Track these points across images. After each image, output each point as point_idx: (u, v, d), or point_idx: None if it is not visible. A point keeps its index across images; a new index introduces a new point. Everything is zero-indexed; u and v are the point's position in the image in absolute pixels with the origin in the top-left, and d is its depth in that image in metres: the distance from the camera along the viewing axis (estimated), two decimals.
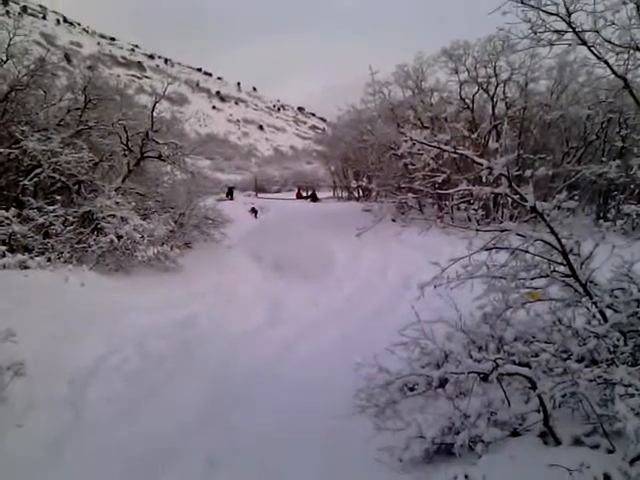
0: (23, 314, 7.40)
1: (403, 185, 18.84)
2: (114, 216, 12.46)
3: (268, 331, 9.34)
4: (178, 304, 10.54)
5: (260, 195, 42.74)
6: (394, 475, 4.15)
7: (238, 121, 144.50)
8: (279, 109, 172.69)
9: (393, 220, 19.60)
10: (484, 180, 4.65)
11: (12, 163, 12.74)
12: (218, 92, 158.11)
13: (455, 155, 4.81)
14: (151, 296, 10.75)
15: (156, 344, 8.29)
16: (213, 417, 6.10)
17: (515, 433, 4.43)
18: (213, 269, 13.83)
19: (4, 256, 10.31)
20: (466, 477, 3.82)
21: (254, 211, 28.56)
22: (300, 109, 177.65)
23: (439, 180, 5.63)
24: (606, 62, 4.98)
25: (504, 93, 19.47)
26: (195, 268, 13.76)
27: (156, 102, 15.20)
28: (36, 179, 12.48)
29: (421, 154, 4.87)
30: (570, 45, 4.90)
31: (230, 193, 35.81)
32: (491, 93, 19.31)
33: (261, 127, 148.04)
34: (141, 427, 5.77)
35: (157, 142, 14.92)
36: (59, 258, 11.32)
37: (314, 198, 35.99)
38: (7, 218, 11.21)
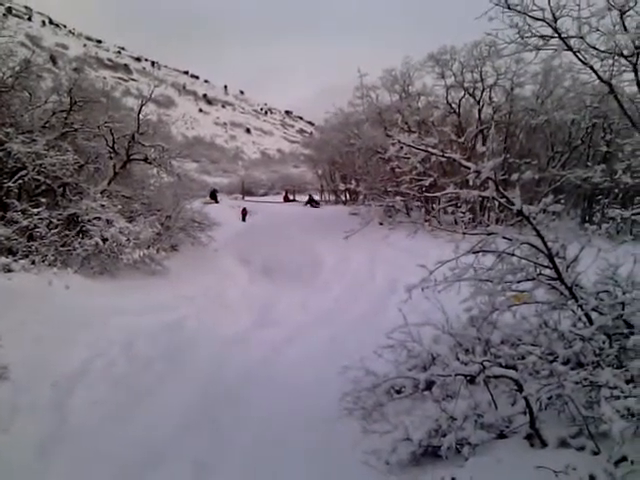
0: (7, 318, 7.31)
1: (390, 189, 18.93)
2: (99, 219, 12.34)
3: (257, 334, 9.33)
4: (165, 307, 10.46)
5: (247, 198, 42.57)
6: (381, 478, 4.15)
7: (225, 124, 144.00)
8: (266, 112, 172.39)
9: (380, 223, 19.63)
10: (471, 183, 4.67)
11: None
12: (205, 95, 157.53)
13: (442, 159, 4.84)
14: (137, 299, 10.65)
15: (143, 347, 8.24)
16: (201, 420, 6.06)
17: (502, 435, 4.45)
18: (200, 272, 13.76)
19: None
20: (453, 479, 3.83)
21: (245, 213, 28.49)
22: (287, 112, 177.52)
23: (426, 184, 5.66)
24: (591, 67, 5.03)
25: (490, 98, 19.66)
26: (182, 271, 13.67)
27: (142, 105, 15.10)
28: (20, 181, 12.32)
29: (408, 158, 4.89)
30: (556, 50, 4.94)
31: (214, 196, 35.57)
32: (477, 98, 19.48)
33: (248, 130, 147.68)
34: (128, 431, 5.72)
35: (143, 145, 14.82)
36: (43, 261, 11.17)
37: (313, 203, 32.34)
38: None
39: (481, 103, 19.54)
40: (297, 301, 11.70)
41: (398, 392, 5.42)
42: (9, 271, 9.83)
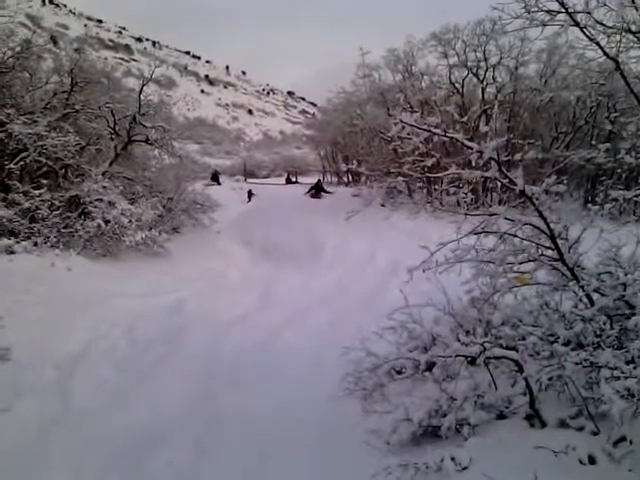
0: (9, 299, 7.34)
1: (392, 170, 18.82)
2: (101, 200, 12.31)
3: (258, 316, 9.34)
4: (167, 289, 10.49)
5: (249, 180, 42.45)
6: (381, 458, 4.17)
7: (227, 105, 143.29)
8: (268, 93, 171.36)
9: (382, 205, 19.71)
10: (474, 164, 4.64)
11: None
12: (207, 76, 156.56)
13: (445, 139, 4.78)
14: (139, 281, 10.68)
15: (145, 330, 8.27)
16: (202, 402, 6.10)
17: (501, 416, 4.47)
18: (202, 254, 13.77)
19: None
20: (453, 459, 3.84)
21: (250, 194, 28.41)
22: (290, 93, 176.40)
23: (428, 164, 5.60)
24: (598, 44, 4.95)
25: (493, 77, 19.41)
26: (184, 253, 13.68)
27: (143, 85, 14.97)
28: (22, 163, 12.29)
29: (410, 138, 4.84)
30: (562, 26, 4.85)
31: (216, 178, 35.47)
32: (481, 77, 19.25)
33: (250, 111, 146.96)
34: (129, 413, 5.77)
35: (145, 126, 14.73)
36: (45, 243, 11.19)
37: (319, 190, 25.25)
38: None
39: (484, 83, 19.31)
40: (298, 283, 11.70)
41: (399, 373, 5.43)
42: (11, 253, 9.88)
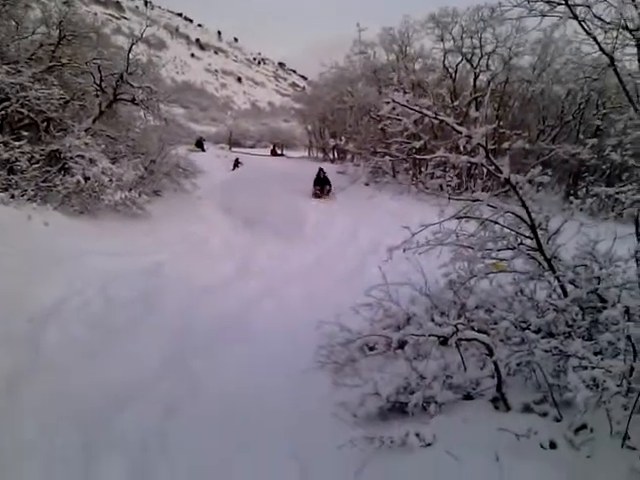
0: None
1: (379, 150, 18.84)
2: (83, 157, 12.09)
3: (236, 284, 9.32)
4: (144, 251, 10.40)
5: (234, 149, 42.03)
6: (348, 430, 4.24)
7: (216, 71, 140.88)
8: (259, 63, 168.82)
9: (366, 184, 19.65)
10: (461, 149, 4.67)
11: None
12: (198, 40, 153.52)
13: (434, 122, 4.80)
14: (116, 241, 10.59)
15: (120, 289, 8.19)
16: (174, 365, 6.10)
17: (468, 397, 4.57)
18: (182, 219, 13.65)
19: None
20: (417, 435, 3.93)
21: (237, 164, 28.09)
22: (281, 65, 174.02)
23: (417, 146, 5.62)
24: (595, 38, 4.98)
25: (487, 65, 19.43)
26: (164, 216, 13.54)
27: (133, 43, 14.64)
28: (3, 112, 12.01)
29: (400, 119, 4.85)
30: (561, 18, 4.86)
31: (200, 144, 35.06)
32: (474, 64, 19.26)
33: (240, 79, 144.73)
34: (100, 370, 5.73)
35: (132, 85, 14.42)
36: (23, 195, 10.98)
37: (323, 183, 18.67)
38: None
39: (478, 70, 19.33)
40: (278, 255, 11.69)
41: (371, 349, 5.51)
42: None
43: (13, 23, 13.43)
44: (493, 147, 4.62)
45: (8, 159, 11.40)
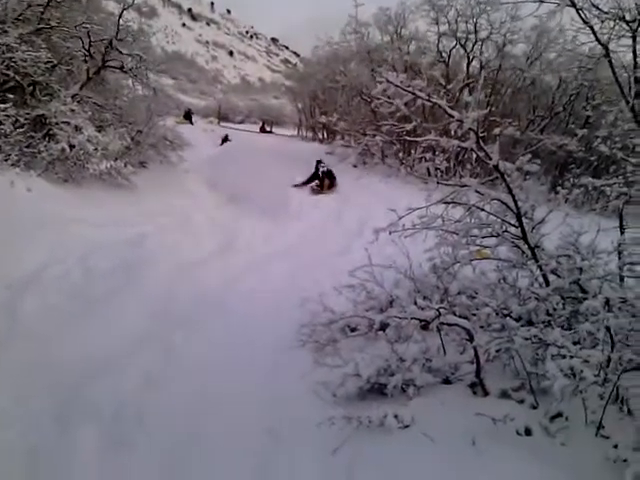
0: None
1: (369, 132, 18.76)
2: (68, 123, 11.84)
3: (219, 259, 9.28)
4: (127, 222, 10.27)
5: (223, 124, 41.62)
6: (327, 409, 4.27)
7: (207, 43, 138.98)
8: (252, 37, 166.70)
9: (355, 166, 19.54)
10: (452, 133, 4.67)
11: None
12: (190, 9, 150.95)
13: (427, 104, 4.78)
14: (100, 211, 10.45)
15: (101, 260, 8.06)
16: (154, 337, 6.06)
17: (447, 381, 4.61)
18: (167, 192, 13.51)
19: None
20: (396, 416, 3.96)
21: (226, 139, 27.86)
22: (274, 40, 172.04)
23: (408, 128, 5.59)
24: (591, 28, 4.97)
25: (480, 51, 19.34)
26: (148, 189, 13.38)
27: (124, 9, 14.29)
28: None
29: (392, 102, 4.81)
30: (559, 5, 4.84)
31: (188, 116, 34.67)
32: (468, 50, 19.15)
33: (231, 53, 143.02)
34: (77, 340, 5.66)
35: (121, 52, 14.09)
36: (6, 160, 10.73)
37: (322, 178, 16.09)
38: None
39: (471, 56, 19.24)
40: (262, 233, 11.64)
41: (353, 330, 5.53)
42: None
43: None
44: (483, 134, 4.62)
45: None
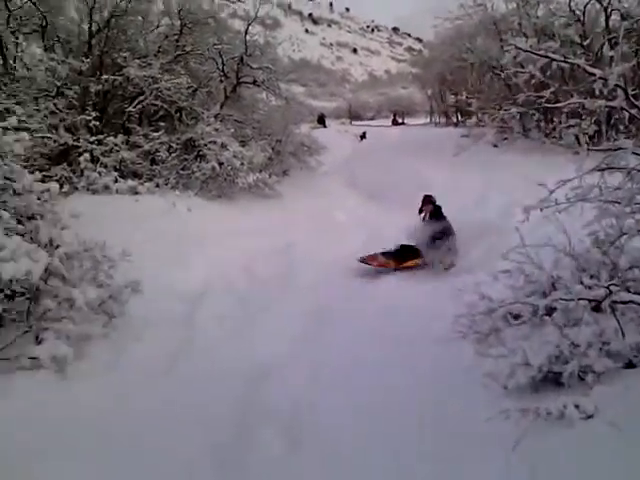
0: (137, 236, 7.88)
1: (506, 107, 17.86)
2: (214, 142, 12.75)
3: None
4: (277, 230, 10.81)
5: (354, 122, 42.07)
6: (499, 402, 4.09)
7: (331, 45, 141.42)
8: (373, 30, 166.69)
9: (495, 146, 18.73)
10: (597, 93, 4.28)
11: (117, 90, 13.20)
12: (310, 14, 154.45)
13: (563, 66, 4.43)
14: (252, 221, 11.13)
15: (259, 267, 8.76)
16: (311, 338, 6.36)
17: (630, 365, 4.21)
18: (309, 196, 13.97)
19: (117, 181, 11.05)
20: (577, 406, 3.68)
21: (364, 136, 28.27)
22: (395, 30, 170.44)
23: (546, 94, 5.24)
24: None
25: (619, 1, 17.58)
26: (292, 195, 13.93)
27: (249, 24, 15.08)
28: (140, 106, 12.93)
29: (523, 71, 4.53)
30: None
31: (322, 120, 35.51)
32: (604, 3, 17.51)
33: (355, 50, 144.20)
34: (245, 345, 6.14)
35: (251, 67, 14.89)
36: (166, 184, 11.90)
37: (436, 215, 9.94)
38: (116, 145, 11.84)
39: (609, 9, 17.57)
40: (404, 224, 11.49)
41: (515, 318, 5.25)
42: (136, 193, 10.66)
43: (140, 18, 14.25)
44: (634, 91, 4.19)
45: (149, 150, 12.41)
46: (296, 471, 3.95)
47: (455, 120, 30.58)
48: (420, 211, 9.94)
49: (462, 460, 3.73)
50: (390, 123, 39.06)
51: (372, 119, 47.93)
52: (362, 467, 3.88)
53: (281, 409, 4.78)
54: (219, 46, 14.44)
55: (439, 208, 9.75)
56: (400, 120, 40.01)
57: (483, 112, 20.84)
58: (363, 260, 8.90)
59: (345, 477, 3.85)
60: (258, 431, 4.48)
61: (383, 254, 9.16)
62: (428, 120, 36.52)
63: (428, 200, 9.85)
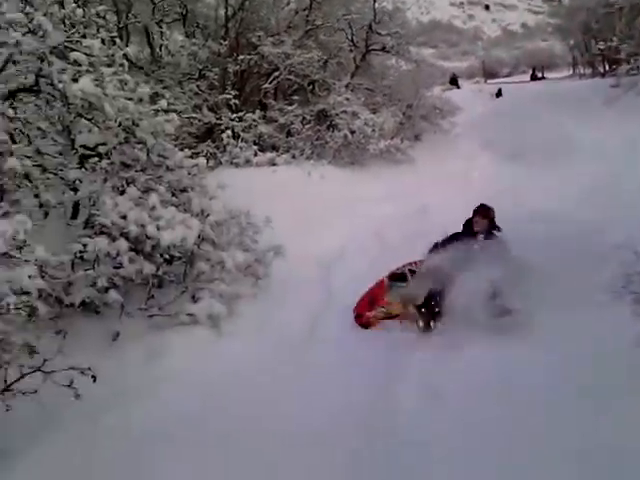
0: (275, 205, 8.21)
1: None
2: (345, 112, 12.97)
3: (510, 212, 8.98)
4: (410, 195, 10.76)
5: (489, 81, 40.23)
6: None
7: (462, 4, 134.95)
8: None
9: None
10: None
11: (253, 69, 13.80)
12: None
13: None
14: (385, 187, 11.18)
15: (391, 233, 8.78)
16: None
17: None
18: (443, 159, 13.70)
19: (256, 155, 11.67)
20: None
21: (499, 94, 27.21)
22: None
23: None
24: None
25: None
26: (425, 159, 13.74)
27: None
28: (275, 82, 13.45)
29: None
30: None
31: (454, 81, 34.39)
32: None
33: (487, 7, 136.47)
34: None
35: (380, 34, 14.80)
36: (301, 155, 12.32)
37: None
38: (254, 120, 12.42)
39: None
40: (544, 185, 10.81)
41: None
42: (274, 164, 11.26)
43: None
44: None
45: (284, 123, 12.94)
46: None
47: (602, 70, 28.21)
48: (468, 227, 6.28)
49: None
50: (529, 78, 36.88)
51: (508, 76, 45.54)
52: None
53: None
54: (348, 16, 14.51)
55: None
56: (540, 74, 37.63)
57: (635, 58, 19.06)
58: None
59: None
60: (398, 388, 4.56)
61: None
62: (571, 72, 34.04)
63: (484, 213, 6.26)
